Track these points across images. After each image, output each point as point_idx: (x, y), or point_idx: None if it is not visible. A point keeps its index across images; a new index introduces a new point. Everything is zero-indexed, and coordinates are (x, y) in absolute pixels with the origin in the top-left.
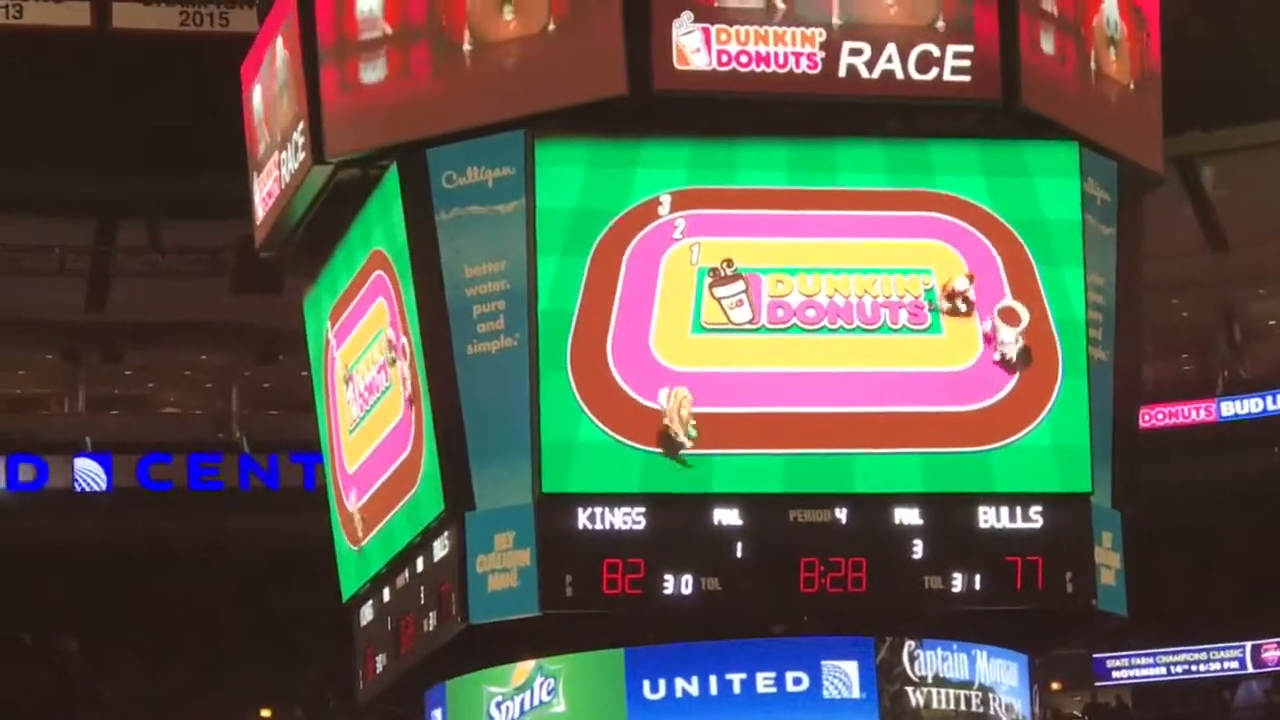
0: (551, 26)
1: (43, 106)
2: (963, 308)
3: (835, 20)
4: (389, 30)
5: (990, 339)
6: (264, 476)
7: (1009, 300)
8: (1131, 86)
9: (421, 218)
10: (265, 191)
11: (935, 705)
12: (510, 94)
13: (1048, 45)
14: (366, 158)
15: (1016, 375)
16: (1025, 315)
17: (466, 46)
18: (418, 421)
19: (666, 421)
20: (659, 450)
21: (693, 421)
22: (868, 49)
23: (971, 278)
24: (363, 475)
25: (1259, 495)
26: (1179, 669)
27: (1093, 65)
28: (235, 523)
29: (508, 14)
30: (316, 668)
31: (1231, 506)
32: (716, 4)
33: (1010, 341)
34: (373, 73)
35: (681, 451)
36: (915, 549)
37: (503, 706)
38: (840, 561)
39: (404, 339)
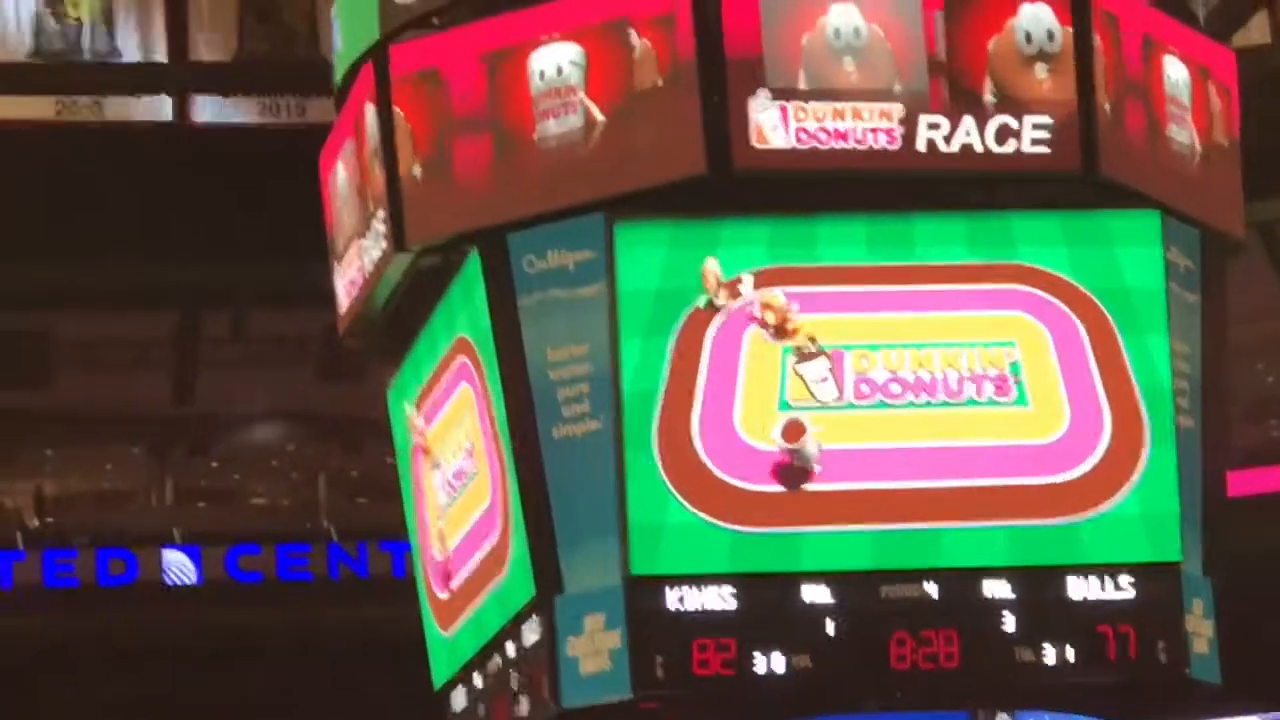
0: (629, 106)
1: (119, 198)
2: None
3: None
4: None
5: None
6: (353, 565)
7: (800, 416)
8: (1200, 149)
9: (504, 303)
10: (348, 279)
11: None
12: (588, 176)
13: (1123, 111)
14: (448, 244)
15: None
16: (810, 429)
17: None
18: (505, 506)
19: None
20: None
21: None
22: (945, 123)
23: None
24: (451, 562)
25: None
26: None
27: (1169, 133)
28: (326, 612)
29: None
30: None
31: None
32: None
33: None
34: (451, 159)
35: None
36: (1006, 621)
37: None
38: (932, 636)
39: (488, 426)
